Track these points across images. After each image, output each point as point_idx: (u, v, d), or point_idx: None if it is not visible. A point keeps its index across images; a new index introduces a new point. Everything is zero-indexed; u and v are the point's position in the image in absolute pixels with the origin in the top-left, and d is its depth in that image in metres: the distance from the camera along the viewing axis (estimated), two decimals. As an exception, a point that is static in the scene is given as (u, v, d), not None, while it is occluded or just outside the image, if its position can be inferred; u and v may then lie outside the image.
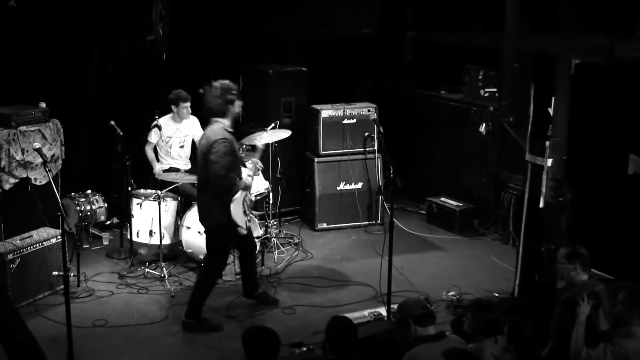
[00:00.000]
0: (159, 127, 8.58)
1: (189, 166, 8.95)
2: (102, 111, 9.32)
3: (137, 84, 9.61)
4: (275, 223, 9.20)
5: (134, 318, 7.36)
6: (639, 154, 7.69)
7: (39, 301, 7.52)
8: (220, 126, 6.94)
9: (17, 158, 8.16)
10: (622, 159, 7.80)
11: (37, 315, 7.29)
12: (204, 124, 7.35)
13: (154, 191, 8.34)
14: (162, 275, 8.06)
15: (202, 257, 8.14)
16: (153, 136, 8.70)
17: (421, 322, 5.37)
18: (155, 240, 8.23)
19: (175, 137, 8.80)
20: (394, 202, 7.44)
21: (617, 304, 5.46)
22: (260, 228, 8.56)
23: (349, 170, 9.71)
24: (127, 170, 8.41)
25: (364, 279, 8.21)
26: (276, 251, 8.75)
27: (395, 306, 6.62)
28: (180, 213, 8.51)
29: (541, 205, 6.99)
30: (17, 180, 8.25)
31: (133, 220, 8.37)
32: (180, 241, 8.41)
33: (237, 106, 7.08)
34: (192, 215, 8.31)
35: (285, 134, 8.90)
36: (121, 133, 8.54)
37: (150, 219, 8.25)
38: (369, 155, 9.72)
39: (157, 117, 8.64)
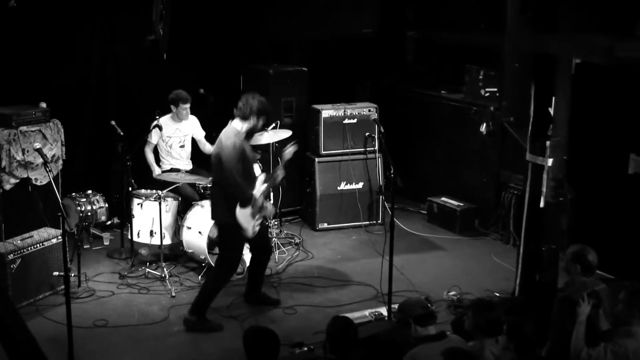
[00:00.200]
0: (160, 127, 8.59)
1: (189, 166, 8.96)
2: (103, 111, 9.32)
3: (137, 84, 9.61)
4: (276, 223, 9.21)
5: (135, 318, 7.36)
6: (639, 153, 7.69)
7: (40, 301, 7.52)
8: (233, 131, 6.99)
9: (18, 158, 8.16)
10: (622, 159, 7.81)
11: (38, 316, 7.29)
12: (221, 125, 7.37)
13: (154, 191, 8.34)
14: (163, 275, 8.06)
15: (202, 257, 8.15)
16: (153, 136, 8.70)
17: (422, 322, 5.38)
18: (155, 241, 8.24)
19: (175, 137, 8.80)
20: (395, 202, 7.45)
21: (618, 303, 5.46)
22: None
23: (349, 170, 9.71)
24: (127, 171, 8.41)
25: (364, 278, 8.21)
26: (277, 251, 8.76)
27: (395, 306, 6.62)
28: (181, 213, 8.52)
29: (542, 205, 6.99)
30: (17, 181, 8.25)
31: (134, 220, 8.37)
32: (181, 241, 8.42)
33: (260, 122, 7.12)
34: (193, 216, 8.32)
35: (285, 134, 8.91)
36: (122, 133, 8.54)
37: (151, 219, 8.25)
38: (369, 155, 9.72)
39: (157, 117, 8.64)
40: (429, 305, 5.86)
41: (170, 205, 8.34)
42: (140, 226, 8.35)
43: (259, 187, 7.14)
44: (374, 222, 9.88)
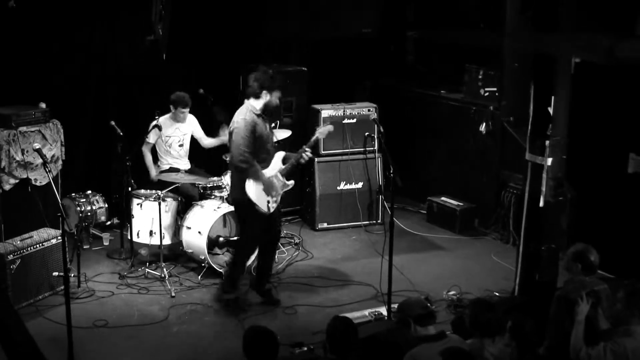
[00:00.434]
0: (159, 128, 8.58)
1: (188, 166, 8.96)
2: (102, 111, 9.32)
3: (137, 84, 9.61)
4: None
5: (135, 318, 7.36)
6: (639, 153, 7.69)
7: (40, 302, 7.52)
8: (247, 107, 7.17)
9: (17, 159, 8.16)
10: (622, 158, 7.81)
11: (38, 316, 7.29)
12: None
13: (154, 191, 8.34)
14: (163, 275, 8.06)
15: (202, 257, 8.15)
16: (152, 136, 8.70)
17: (421, 322, 5.38)
18: (155, 241, 8.24)
19: (175, 136, 8.81)
20: (395, 201, 7.44)
21: (616, 303, 5.46)
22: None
23: (349, 170, 9.71)
24: (127, 171, 8.41)
25: (364, 278, 8.21)
26: (276, 251, 8.75)
27: (395, 306, 6.62)
28: (181, 213, 8.52)
29: (541, 204, 6.99)
30: (17, 181, 8.24)
31: (133, 220, 8.37)
32: (181, 241, 8.42)
33: (274, 96, 7.23)
34: (193, 216, 8.32)
35: (285, 134, 8.91)
36: (121, 133, 8.54)
37: (150, 219, 8.25)
38: (369, 155, 9.72)
39: (157, 117, 8.64)
40: (429, 305, 5.86)
41: (169, 205, 8.34)
42: (139, 226, 8.35)
43: (276, 165, 7.31)
44: (374, 221, 9.88)
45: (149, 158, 8.79)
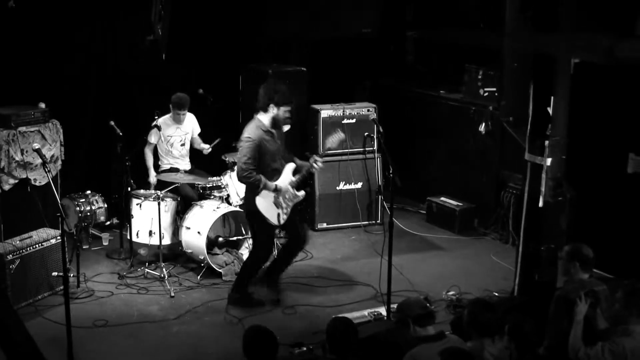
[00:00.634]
0: (159, 128, 8.58)
1: (189, 166, 8.96)
2: (102, 111, 9.32)
3: (137, 85, 9.60)
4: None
5: (134, 318, 7.36)
6: (639, 153, 7.69)
7: (39, 302, 7.51)
8: (256, 124, 7.21)
9: (17, 159, 8.16)
10: (621, 158, 7.80)
11: (37, 316, 7.28)
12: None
13: (153, 191, 8.35)
14: (162, 275, 8.06)
15: (201, 257, 8.15)
16: (153, 137, 8.70)
17: (421, 322, 5.38)
18: (155, 241, 8.23)
19: (177, 136, 8.81)
20: (394, 201, 7.44)
21: (615, 302, 5.46)
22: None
23: (348, 170, 9.71)
24: (126, 171, 8.41)
25: (364, 278, 8.21)
26: (276, 251, 8.73)
27: (395, 306, 6.62)
28: (180, 213, 8.52)
29: (541, 204, 6.99)
30: (16, 181, 8.24)
31: (133, 220, 8.37)
32: (180, 241, 8.42)
33: (282, 111, 7.21)
34: (192, 216, 8.32)
35: (284, 127, 8.90)
36: (121, 133, 8.54)
37: (150, 219, 8.25)
38: (368, 155, 9.72)
39: (156, 117, 8.64)
40: (428, 305, 5.86)
41: (169, 205, 8.34)
42: (139, 226, 8.35)
43: (286, 176, 7.34)
44: (373, 222, 9.88)
45: (150, 161, 8.79)
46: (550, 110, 6.83)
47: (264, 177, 7.18)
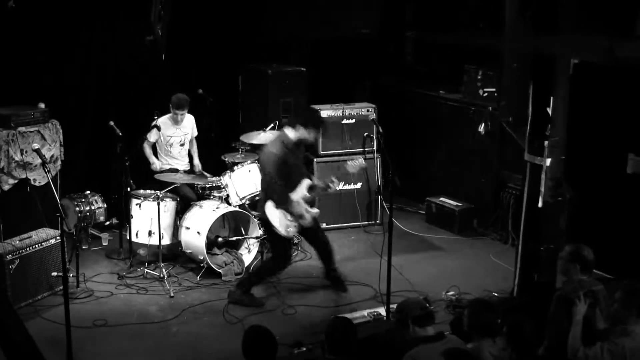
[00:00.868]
0: (158, 128, 8.58)
1: (188, 167, 8.96)
2: (102, 111, 9.31)
3: (136, 85, 9.60)
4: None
5: (134, 318, 7.36)
6: (638, 153, 7.69)
7: (38, 302, 7.51)
8: (281, 138, 7.38)
9: (16, 159, 8.16)
10: (621, 159, 7.80)
11: (37, 316, 7.28)
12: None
13: (153, 192, 8.34)
14: (161, 275, 8.06)
15: (201, 257, 8.15)
16: (152, 136, 8.70)
17: (420, 323, 5.37)
18: (154, 241, 8.23)
19: (176, 136, 8.82)
20: (393, 202, 7.44)
21: (614, 302, 5.46)
22: (260, 228, 8.56)
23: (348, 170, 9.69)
24: (126, 171, 8.41)
25: (363, 279, 8.21)
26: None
27: (394, 306, 6.62)
28: (180, 213, 8.51)
29: (540, 204, 6.99)
30: (16, 181, 8.25)
31: (132, 220, 8.37)
32: (180, 242, 8.41)
33: (310, 134, 7.37)
34: (192, 216, 8.32)
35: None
36: (120, 133, 8.54)
37: (149, 219, 8.25)
38: (368, 156, 9.70)
39: (156, 117, 8.64)
40: (428, 305, 5.85)
41: (168, 205, 8.33)
42: (138, 226, 8.35)
43: (301, 192, 7.41)
44: (373, 222, 9.88)
45: (148, 151, 8.77)
46: (549, 110, 6.83)
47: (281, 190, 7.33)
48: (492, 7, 9.19)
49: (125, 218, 8.71)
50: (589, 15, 6.80)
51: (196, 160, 9.12)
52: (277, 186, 7.25)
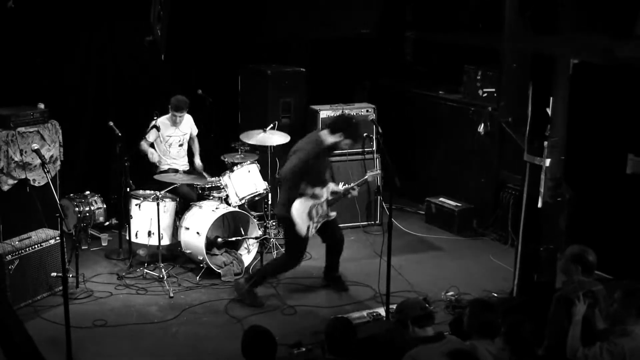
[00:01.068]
0: (157, 128, 8.58)
1: (187, 167, 8.96)
2: (101, 112, 9.32)
3: (136, 85, 9.60)
4: (273, 224, 9.20)
5: (133, 319, 7.36)
6: (638, 153, 7.69)
7: (38, 302, 7.51)
8: (317, 138, 7.46)
9: (16, 159, 8.16)
10: (620, 159, 7.81)
11: (36, 317, 7.28)
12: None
13: (152, 192, 8.34)
14: (161, 276, 8.06)
15: (200, 257, 8.15)
16: (151, 136, 8.70)
17: (420, 323, 5.38)
18: (154, 241, 8.23)
19: (175, 136, 8.82)
20: (393, 202, 7.45)
21: (613, 303, 5.46)
22: (259, 229, 8.57)
23: (347, 170, 9.69)
24: (125, 171, 8.40)
25: (362, 279, 8.21)
26: (275, 252, 8.75)
27: (394, 306, 6.62)
28: (179, 214, 8.51)
29: (539, 205, 6.99)
30: (15, 182, 8.25)
31: (132, 221, 8.37)
32: (179, 242, 8.41)
33: (345, 143, 7.43)
34: (191, 216, 8.32)
35: (284, 138, 8.91)
36: (120, 134, 8.54)
37: (149, 219, 8.25)
38: (367, 156, 9.71)
39: (155, 117, 8.64)
40: (427, 305, 5.85)
41: (168, 205, 8.33)
42: (138, 227, 8.35)
43: (325, 193, 7.49)
44: (372, 222, 9.88)
45: (145, 146, 8.73)
46: (549, 110, 6.83)
47: (303, 185, 7.38)
48: (492, 8, 9.18)
49: (124, 218, 8.71)
50: (588, 16, 6.80)
51: (197, 159, 9.10)
52: (298, 185, 7.30)
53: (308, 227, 7.45)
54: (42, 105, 8.52)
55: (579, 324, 5.48)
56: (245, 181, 8.62)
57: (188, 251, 8.34)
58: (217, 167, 9.06)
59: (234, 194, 8.56)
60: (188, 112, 8.83)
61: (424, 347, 5.19)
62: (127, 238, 8.47)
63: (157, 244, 8.15)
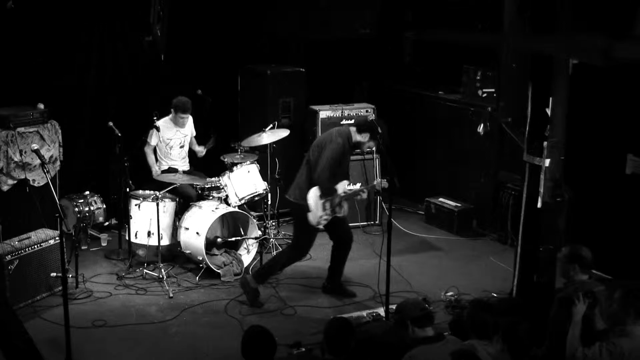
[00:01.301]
0: (157, 129, 8.58)
1: (187, 167, 8.96)
2: (101, 112, 9.32)
3: (135, 85, 9.60)
4: (273, 224, 9.21)
5: (133, 319, 7.36)
6: (637, 154, 7.70)
7: (38, 302, 7.51)
8: (347, 134, 7.49)
9: (15, 159, 8.16)
10: (620, 159, 7.81)
11: (36, 317, 7.28)
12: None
13: (152, 192, 8.34)
14: (161, 276, 8.06)
15: (200, 258, 8.15)
16: (153, 139, 8.69)
17: (419, 323, 5.38)
18: (153, 241, 8.23)
19: (176, 138, 8.82)
20: (393, 202, 7.45)
21: (613, 303, 5.46)
22: (259, 229, 8.57)
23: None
24: (125, 171, 8.40)
25: (362, 279, 8.22)
26: (274, 252, 8.75)
27: (393, 307, 6.62)
28: (179, 214, 8.51)
29: (539, 205, 6.99)
30: (15, 182, 8.25)
31: (131, 221, 8.37)
32: (179, 242, 8.41)
33: (368, 143, 7.55)
34: (191, 216, 8.32)
35: (284, 133, 8.91)
36: (119, 134, 8.53)
37: (148, 219, 8.25)
38: (367, 156, 9.71)
39: (155, 117, 8.64)
40: (427, 306, 5.85)
41: (167, 206, 8.33)
42: (137, 227, 8.35)
43: (341, 187, 7.51)
44: (372, 222, 9.88)
45: (151, 158, 8.78)
46: (548, 111, 6.83)
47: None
48: (491, 8, 9.18)
49: (124, 218, 8.71)
50: (587, 16, 6.79)
51: (199, 147, 9.10)
52: (329, 176, 7.31)
53: (320, 217, 7.43)
54: (41, 106, 8.52)
55: (579, 324, 5.48)
56: (244, 181, 8.62)
57: (187, 251, 8.34)
58: (217, 167, 9.05)
59: (233, 194, 8.56)
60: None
61: (424, 347, 5.20)
62: (127, 238, 8.47)
63: (157, 244, 8.15)
